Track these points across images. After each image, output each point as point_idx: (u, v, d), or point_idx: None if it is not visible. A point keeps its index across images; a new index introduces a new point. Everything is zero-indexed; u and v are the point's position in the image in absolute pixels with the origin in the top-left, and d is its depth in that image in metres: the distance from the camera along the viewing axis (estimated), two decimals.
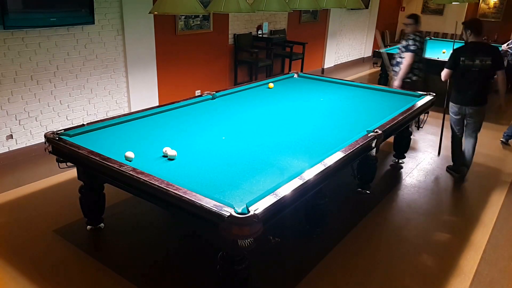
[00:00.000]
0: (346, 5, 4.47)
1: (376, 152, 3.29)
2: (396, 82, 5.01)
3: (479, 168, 4.62)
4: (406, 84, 4.93)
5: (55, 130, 2.95)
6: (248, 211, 1.97)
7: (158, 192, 2.23)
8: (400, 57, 5.00)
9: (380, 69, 7.47)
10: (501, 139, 5.34)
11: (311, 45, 8.40)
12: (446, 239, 3.31)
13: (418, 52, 4.88)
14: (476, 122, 4.13)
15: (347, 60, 10.16)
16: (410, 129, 4.52)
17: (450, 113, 4.27)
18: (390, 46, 8.92)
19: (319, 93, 4.50)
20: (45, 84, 4.45)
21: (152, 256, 2.95)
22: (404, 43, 4.95)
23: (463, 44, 4.15)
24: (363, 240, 3.24)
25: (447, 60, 4.16)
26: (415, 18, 4.92)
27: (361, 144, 2.92)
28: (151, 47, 5.37)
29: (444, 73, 4.13)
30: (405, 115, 3.67)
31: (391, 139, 4.30)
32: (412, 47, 4.82)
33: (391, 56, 5.50)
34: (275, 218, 2.18)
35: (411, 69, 4.88)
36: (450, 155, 4.44)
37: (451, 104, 4.21)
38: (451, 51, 4.15)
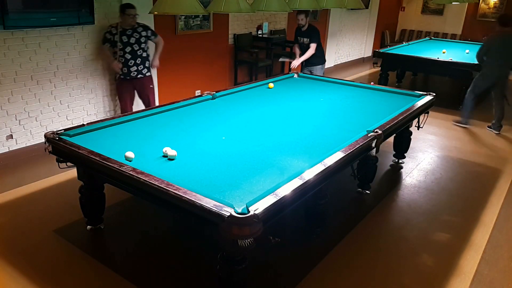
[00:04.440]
0: (346, 5, 4.47)
1: (376, 152, 3.29)
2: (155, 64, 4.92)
3: (479, 168, 4.62)
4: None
5: (55, 130, 2.94)
6: (248, 211, 1.97)
7: (158, 192, 2.23)
8: (144, 50, 4.79)
9: (380, 69, 7.47)
10: (490, 129, 5.62)
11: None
12: (446, 239, 3.31)
13: None
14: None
15: (347, 60, 10.16)
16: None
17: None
18: (390, 46, 8.92)
19: (319, 93, 4.50)
20: (45, 84, 4.45)
21: (152, 256, 2.95)
22: (143, 33, 4.72)
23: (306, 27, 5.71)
24: (363, 240, 3.24)
25: (315, 39, 5.61)
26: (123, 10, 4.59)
27: (361, 144, 2.92)
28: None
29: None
30: (405, 115, 3.67)
31: (391, 139, 4.30)
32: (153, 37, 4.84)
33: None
34: (275, 218, 2.17)
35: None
36: None
37: (322, 65, 5.87)
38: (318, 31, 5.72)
